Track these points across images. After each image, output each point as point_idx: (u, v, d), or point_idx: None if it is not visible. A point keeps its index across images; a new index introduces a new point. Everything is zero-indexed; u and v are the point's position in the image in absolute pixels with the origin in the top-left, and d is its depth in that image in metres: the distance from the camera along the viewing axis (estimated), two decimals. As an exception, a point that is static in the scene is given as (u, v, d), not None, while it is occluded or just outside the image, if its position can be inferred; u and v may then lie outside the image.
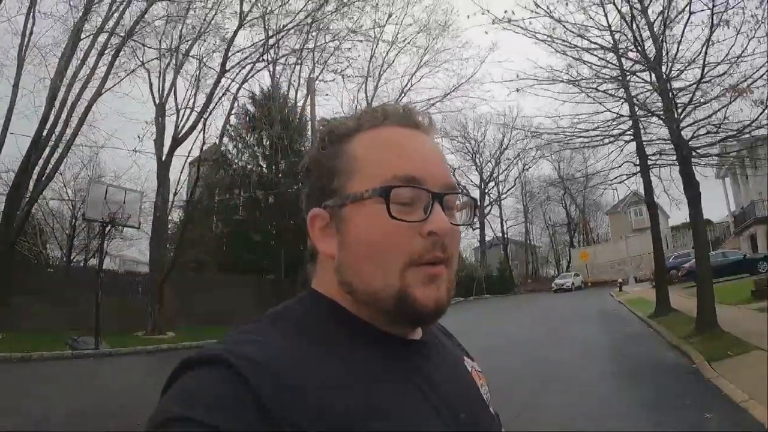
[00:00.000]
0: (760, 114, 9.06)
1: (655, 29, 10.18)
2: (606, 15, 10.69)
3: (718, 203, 33.77)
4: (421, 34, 21.84)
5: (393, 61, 22.82)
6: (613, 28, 10.46)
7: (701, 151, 10.38)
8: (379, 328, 0.72)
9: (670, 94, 9.68)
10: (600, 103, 11.37)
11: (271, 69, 21.90)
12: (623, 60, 10.93)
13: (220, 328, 17.00)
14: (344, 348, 0.68)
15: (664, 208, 19.97)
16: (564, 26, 10.55)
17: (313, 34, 20.19)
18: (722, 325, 10.09)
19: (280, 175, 22.69)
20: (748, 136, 10.09)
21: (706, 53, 9.39)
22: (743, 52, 9.22)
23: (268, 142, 22.53)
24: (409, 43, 22.15)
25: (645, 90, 10.97)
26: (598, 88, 11.12)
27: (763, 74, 9.06)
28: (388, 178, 0.69)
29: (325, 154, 0.76)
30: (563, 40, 10.73)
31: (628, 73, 10.82)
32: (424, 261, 0.69)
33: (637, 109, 11.26)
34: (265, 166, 24.30)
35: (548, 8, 10.41)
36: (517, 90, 11.69)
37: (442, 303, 0.71)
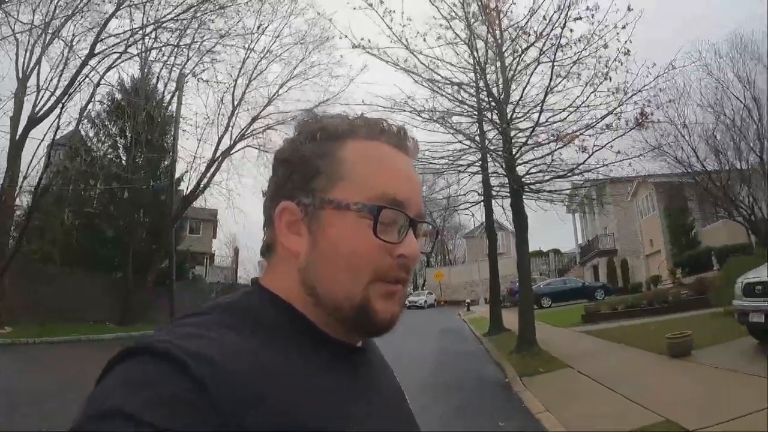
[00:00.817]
0: (586, 159, 10.43)
1: (506, 74, 11.27)
2: (468, 53, 11.61)
3: (568, 235, 37.41)
4: (297, 46, 21.85)
5: (266, 68, 22.56)
6: (465, 67, 11.34)
7: (534, 187, 11.58)
8: (326, 331, 0.71)
9: (510, 134, 10.73)
10: (452, 134, 12.25)
11: (142, 59, 20.85)
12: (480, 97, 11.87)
13: (66, 327, 15.90)
14: (296, 349, 0.67)
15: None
16: (418, 59, 11.26)
17: (190, 31, 19.58)
18: (545, 344, 11.18)
19: (137, 169, 21.54)
20: (580, 176, 11.42)
21: (543, 101, 10.58)
22: (585, 101, 10.54)
23: (130, 134, 21.37)
24: (284, 53, 22.08)
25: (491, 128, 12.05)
26: (450, 120, 11.97)
27: (593, 124, 10.44)
28: (376, 195, 0.69)
29: (310, 148, 0.74)
30: (417, 73, 11.50)
31: (478, 111, 11.77)
32: (388, 278, 0.70)
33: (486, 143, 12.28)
34: (125, 158, 22.96)
35: (406, 40, 11.09)
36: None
37: (396, 317, 0.73)
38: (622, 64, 10.34)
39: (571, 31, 10.53)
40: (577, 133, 10.35)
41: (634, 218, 30.66)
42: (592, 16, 10.37)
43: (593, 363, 9.22)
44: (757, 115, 17.40)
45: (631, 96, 10.24)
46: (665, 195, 25.91)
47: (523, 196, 11.40)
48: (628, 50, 10.30)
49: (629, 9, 10.20)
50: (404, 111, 11.50)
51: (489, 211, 15.55)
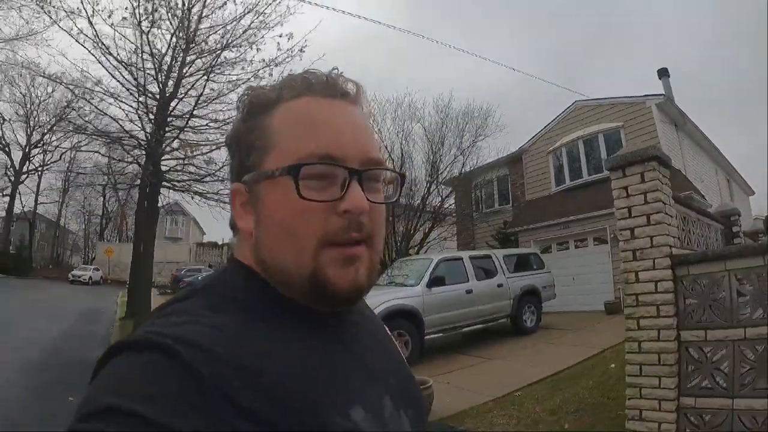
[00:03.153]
0: (222, 167, 11.68)
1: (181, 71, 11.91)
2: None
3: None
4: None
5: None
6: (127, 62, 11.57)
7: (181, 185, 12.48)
8: (300, 301, 0.69)
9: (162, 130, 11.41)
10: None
11: None
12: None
13: None
14: (278, 324, 0.66)
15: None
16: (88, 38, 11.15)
17: None
18: None
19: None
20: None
21: (195, 106, 11.60)
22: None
23: None
24: None
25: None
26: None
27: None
28: (303, 156, 0.67)
29: (243, 127, 0.74)
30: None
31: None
32: (340, 241, 0.66)
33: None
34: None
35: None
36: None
37: (360, 285, 0.69)
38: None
39: (259, 50, 11.85)
40: (197, 144, 11.56)
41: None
42: (278, 43, 11.72)
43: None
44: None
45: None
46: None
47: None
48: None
49: (302, 50, 11.83)
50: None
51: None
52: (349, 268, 0.67)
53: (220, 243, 43.47)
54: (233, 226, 0.76)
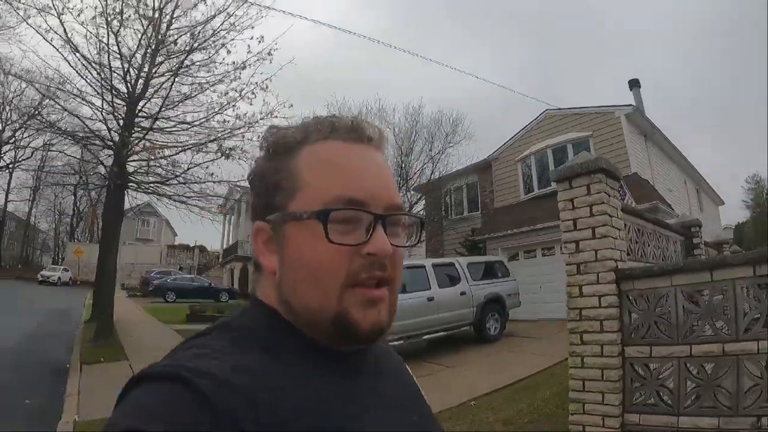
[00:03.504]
0: (187, 169, 11.52)
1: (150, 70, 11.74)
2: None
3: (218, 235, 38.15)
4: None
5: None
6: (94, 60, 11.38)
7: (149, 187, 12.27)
8: (319, 340, 0.71)
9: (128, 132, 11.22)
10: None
11: None
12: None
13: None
14: (298, 361, 0.68)
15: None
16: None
17: None
18: (133, 337, 12.15)
19: None
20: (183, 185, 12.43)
21: (161, 107, 11.46)
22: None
23: None
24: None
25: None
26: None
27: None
28: (329, 199, 0.68)
29: (269, 165, 0.75)
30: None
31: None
32: (363, 281, 0.68)
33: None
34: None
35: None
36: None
37: (382, 326, 0.71)
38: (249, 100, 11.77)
39: (229, 52, 11.66)
40: (161, 147, 11.47)
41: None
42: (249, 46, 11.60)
43: (152, 359, 10.14)
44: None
45: (225, 137, 11.74)
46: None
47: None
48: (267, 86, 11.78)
49: (270, 53, 11.74)
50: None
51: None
52: (372, 310, 0.69)
53: (191, 245, 43.16)
54: (256, 264, 0.77)
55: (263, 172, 0.76)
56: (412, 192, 15.70)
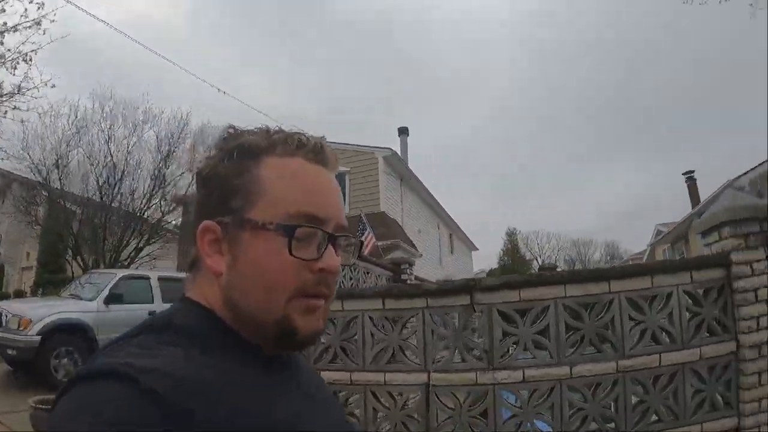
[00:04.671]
0: None
1: None
2: None
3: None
4: None
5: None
6: None
7: None
8: (254, 342, 0.73)
9: None
10: None
11: None
12: None
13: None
14: (234, 360, 0.68)
15: None
16: None
17: None
18: None
19: None
20: None
21: None
22: None
23: None
24: None
25: None
26: None
27: None
28: (292, 213, 0.70)
29: (228, 166, 0.74)
30: None
31: None
32: (308, 294, 0.71)
33: None
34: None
35: None
36: None
37: (319, 332, 0.75)
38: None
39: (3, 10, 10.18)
40: None
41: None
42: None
43: None
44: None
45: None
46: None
47: None
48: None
49: (38, 23, 10.52)
50: None
51: None
52: (312, 317, 0.73)
53: None
54: (195, 262, 0.77)
55: (221, 172, 0.74)
56: (166, 200, 15.08)
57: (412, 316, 3.42)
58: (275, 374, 0.74)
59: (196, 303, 0.74)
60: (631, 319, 3.27)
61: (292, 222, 0.70)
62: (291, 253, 0.69)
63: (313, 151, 0.76)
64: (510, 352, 3.22)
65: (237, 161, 0.74)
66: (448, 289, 3.19)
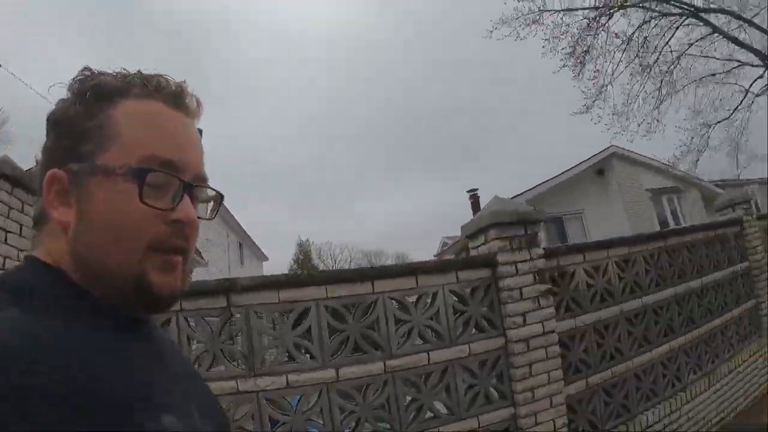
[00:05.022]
0: None
1: None
2: None
3: None
4: None
5: None
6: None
7: None
8: (107, 302, 0.66)
9: None
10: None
11: None
12: None
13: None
14: (85, 324, 0.61)
15: None
16: None
17: None
18: None
19: None
20: None
21: None
22: None
23: None
24: None
25: None
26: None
27: None
28: (145, 158, 0.66)
29: (79, 109, 0.68)
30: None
31: None
32: (164, 248, 0.66)
33: None
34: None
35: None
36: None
37: (177, 291, 0.69)
38: None
39: None
40: None
41: None
42: None
43: None
44: None
45: None
46: None
47: None
48: None
49: None
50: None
51: None
52: (170, 276, 0.67)
53: None
54: (41, 216, 0.69)
55: (71, 116, 0.68)
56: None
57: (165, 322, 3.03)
58: (130, 341, 0.66)
59: (38, 260, 0.67)
60: (396, 319, 3.26)
61: (145, 166, 0.65)
62: (142, 200, 0.64)
63: (173, 95, 0.71)
64: (276, 357, 3.00)
65: (89, 103, 0.68)
66: (201, 290, 2.85)
